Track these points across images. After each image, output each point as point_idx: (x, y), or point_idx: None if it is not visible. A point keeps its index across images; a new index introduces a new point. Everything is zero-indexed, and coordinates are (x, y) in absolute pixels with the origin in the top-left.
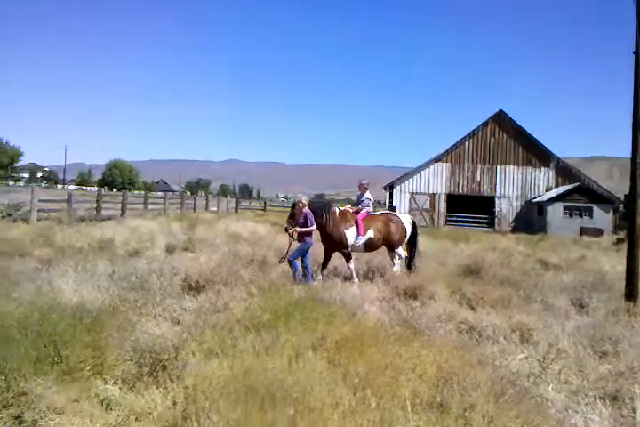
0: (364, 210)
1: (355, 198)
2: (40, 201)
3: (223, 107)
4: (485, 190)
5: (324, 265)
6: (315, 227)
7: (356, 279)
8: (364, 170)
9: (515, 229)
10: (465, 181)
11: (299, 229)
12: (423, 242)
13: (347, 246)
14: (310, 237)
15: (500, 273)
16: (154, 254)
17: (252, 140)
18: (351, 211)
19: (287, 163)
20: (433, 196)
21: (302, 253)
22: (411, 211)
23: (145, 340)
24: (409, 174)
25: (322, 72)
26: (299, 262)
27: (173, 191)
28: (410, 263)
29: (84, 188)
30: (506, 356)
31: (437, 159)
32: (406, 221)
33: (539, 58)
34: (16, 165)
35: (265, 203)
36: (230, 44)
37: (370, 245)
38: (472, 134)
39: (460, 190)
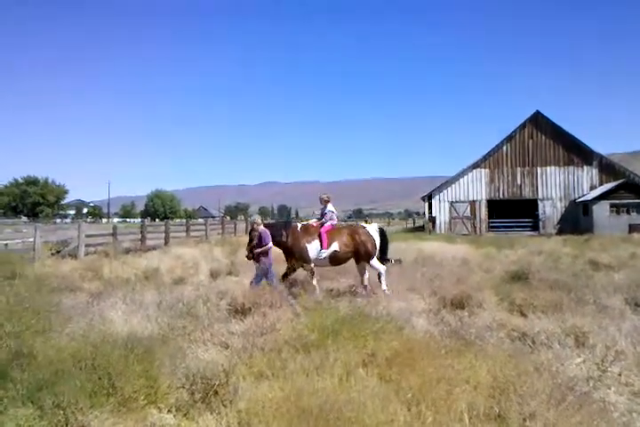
0: (328, 223)
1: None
2: (87, 236)
3: (253, 131)
4: (527, 194)
5: (286, 276)
6: (270, 245)
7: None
8: (401, 182)
9: (560, 231)
10: (505, 186)
11: (255, 250)
12: (466, 251)
13: (308, 261)
14: (267, 256)
15: (549, 277)
16: (199, 280)
17: (285, 162)
18: (315, 225)
19: (322, 181)
20: (473, 203)
21: (262, 275)
22: (452, 219)
23: (196, 366)
24: (447, 183)
25: (346, 87)
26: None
27: (213, 217)
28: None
29: (128, 220)
30: (562, 361)
31: (475, 166)
32: (373, 230)
33: (568, 54)
34: (62, 202)
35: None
36: (257, 69)
37: (336, 259)
38: (509, 138)
39: (501, 195)
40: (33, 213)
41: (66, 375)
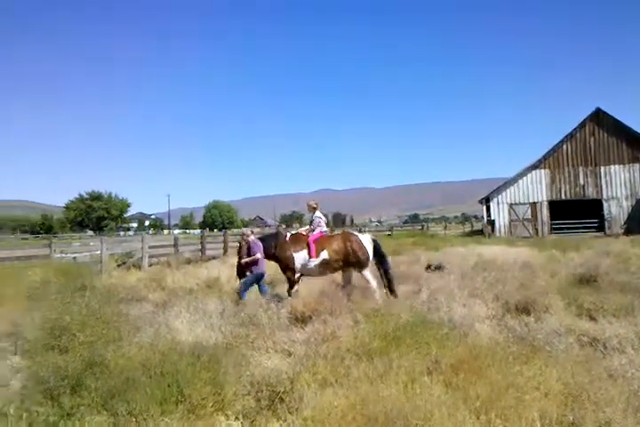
0: (317, 230)
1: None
2: (150, 248)
3: (307, 141)
4: (590, 193)
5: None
6: (258, 256)
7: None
8: (457, 186)
9: (628, 232)
10: (567, 186)
11: (243, 260)
12: (529, 254)
13: (293, 271)
14: (256, 266)
15: (619, 279)
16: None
17: (339, 169)
18: (304, 233)
19: (377, 187)
20: (534, 205)
21: (249, 284)
22: (511, 222)
23: (260, 373)
24: (505, 185)
25: (397, 91)
26: (247, 295)
27: (269, 226)
28: (391, 287)
29: (188, 231)
30: (637, 367)
31: (535, 166)
32: (366, 240)
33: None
34: (125, 215)
35: (359, 229)
36: (306, 80)
37: (325, 267)
38: (569, 137)
39: (563, 196)
40: (98, 227)
41: (136, 383)
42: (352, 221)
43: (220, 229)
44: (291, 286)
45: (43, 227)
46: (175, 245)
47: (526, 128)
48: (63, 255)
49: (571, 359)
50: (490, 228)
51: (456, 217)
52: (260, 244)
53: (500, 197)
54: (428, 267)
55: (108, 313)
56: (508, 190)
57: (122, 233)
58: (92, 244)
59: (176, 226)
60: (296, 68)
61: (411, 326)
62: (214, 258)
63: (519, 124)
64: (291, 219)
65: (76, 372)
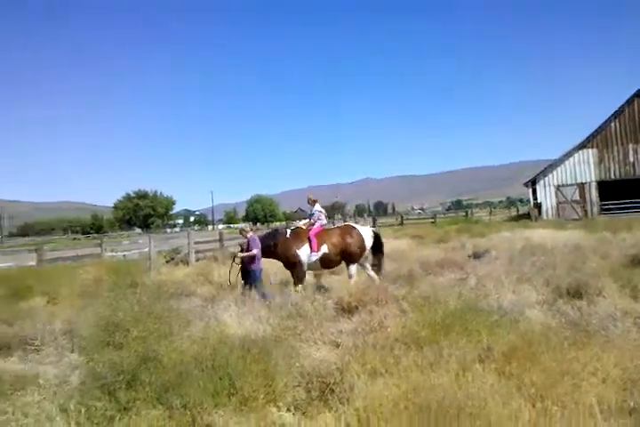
0: (317, 224)
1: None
2: (196, 243)
3: (345, 130)
4: None
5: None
6: (254, 251)
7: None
8: (500, 169)
9: None
10: (616, 166)
11: (240, 254)
12: (578, 236)
13: (302, 267)
14: (254, 262)
15: None
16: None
17: (378, 158)
18: (304, 227)
19: (418, 174)
20: (582, 185)
21: (259, 283)
22: (559, 204)
23: (309, 365)
24: (551, 166)
25: (435, 75)
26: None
27: None
28: (378, 270)
29: (231, 225)
30: None
31: (581, 146)
32: (366, 233)
33: None
34: (171, 213)
35: (402, 217)
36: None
37: (327, 261)
38: (617, 114)
39: (612, 176)
40: (145, 225)
41: (189, 377)
42: (394, 209)
43: (262, 223)
44: (297, 283)
45: (93, 227)
46: (220, 240)
47: (570, 107)
48: (114, 254)
49: (629, 343)
50: (537, 211)
51: (501, 202)
52: (258, 240)
53: (546, 179)
54: (474, 253)
55: (159, 308)
56: (554, 172)
57: (168, 230)
58: (140, 241)
59: (220, 221)
60: (326, 57)
61: (460, 314)
62: None
63: (563, 104)
64: (332, 209)
65: (130, 367)
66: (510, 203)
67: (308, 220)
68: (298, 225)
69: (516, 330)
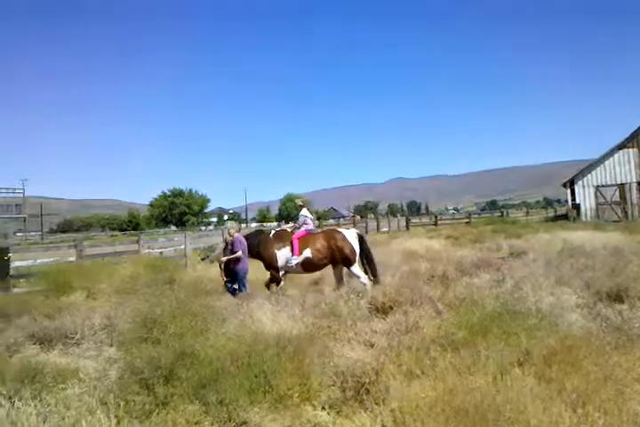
0: (303, 228)
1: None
2: None
3: (376, 129)
4: None
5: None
6: (239, 253)
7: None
8: (537, 169)
9: None
10: None
11: (223, 258)
12: (619, 238)
13: (276, 268)
14: (239, 262)
15: None
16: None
17: (411, 157)
18: (289, 230)
19: (451, 173)
20: (622, 186)
21: (239, 280)
22: (598, 205)
23: (344, 364)
24: (590, 167)
25: (462, 75)
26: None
27: (344, 217)
28: (375, 279)
29: (265, 224)
30: None
31: (621, 146)
32: (351, 235)
33: None
34: (205, 211)
35: (435, 217)
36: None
37: (308, 265)
38: None
39: None
40: (181, 222)
41: (225, 374)
42: (427, 209)
43: (295, 222)
44: (272, 282)
45: (130, 224)
46: None
47: (609, 106)
48: (150, 251)
49: None
50: (575, 212)
51: (538, 202)
52: (244, 241)
53: (585, 179)
54: (511, 254)
55: (195, 305)
56: (593, 172)
57: (203, 228)
58: (175, 239)
59: (253, 219)
60: (361, 55)
61: (497, 316)
62: None
63: (601, 103)
64: (365, 209)
65: (168, 362)
66: (547, 203)
67: (294, 223)
68: (283, 227)
69: (555, 333)
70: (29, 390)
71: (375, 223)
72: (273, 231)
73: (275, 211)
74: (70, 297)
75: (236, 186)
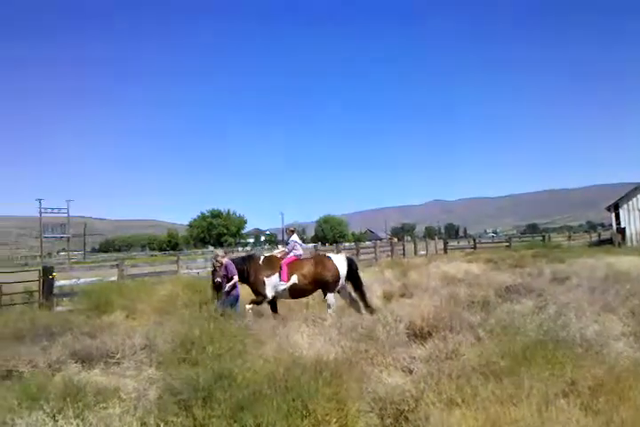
0: (292, 254)
1: None
2: None
3: (414, 151)
4: None
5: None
6: (236, 277)
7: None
8: (579, 192)
9: None
10: None
11: (227, 284)
12: None
13: (264, 295)
14: (235, 288)
15: None
16: (373, 303)
17: (449, 179)
18: (279, 256)
19: (491, 196)
20: None
21: (227, 305)
22: None
23: (382, 391)
24: (636, 190)
25: (512, 91)
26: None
27: (381, 239)
28: (366, 304)
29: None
30: None
31: None
32: (339, 261)
33: None
34: (242, 231)
35: (474, 240)
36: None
37: (296, 291)
38: None
39: None
40: (218, 243)
41: (263, 397)
42: (465, 232)
43: (331, 243)
44: (254, 302)
45: (169, 244)
46: None
47: None
48: (189, 271)
49: None
50: (620, 236)
51: (580, 226)
52: (233, 265)
53: (630, 202)
54: (553, 280)
55: (233, 327)
56: (639, 195)
57: (240, 248)
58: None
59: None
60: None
61: (541, 345)
62: None
63: None
64: (402, 231)
65: (206, 384)
66: (590, 227)
67: (284, 249)
68: (273, 253)
69: (602, 363)
70: (72, 408)
71: (412, 246)
72: (262, 257)
73: (311, 232)
74: (111, 316)
75: (272, 207)
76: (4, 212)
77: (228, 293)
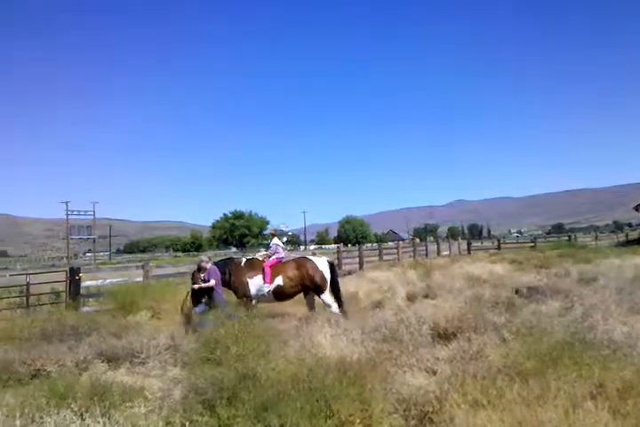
0: (274, 256)
1: None
2: None
3: (438, 151)
4: None
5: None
6: (212, 282)
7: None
8: (606, 192)
9: None
10: None
11: (195, 286)
12: None
13: (249, 296)
14: (217, 294)
15: None
16: (396, 304)
17: (473, 179)
18: (261, 259)
19: (515, 196)
20: None
21: (208, 310)
22: None
23: (406, 391)
24: None
25: (530, 89)
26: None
27: (403, 240)
28: (341, 309)
29: (323, 246)
30: None
31: None
32: (321, 263)
33: None
34: (265, 232)
35: (498, 240)
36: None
37: (280, 294)
38: None
39: None
40: (241, 244)
41: (287, 397)
42: (489, 232)
43: (353, 244)
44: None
45: (193, 245)
46: None
47: None
48: None
49: None
50: None
51: (607, 226)
52: (218, 271)
53: None
54: (580, 280)
55: (257, 327)
56: None
57: (262, 249)
58: None
59: (312, 242)
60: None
61: (568, 346)
62: (350, 273)
63: None
64: (425, 232)
65: (231, 384)
66: (618, 227)
67: (265, 252)
68: (255, 256)
69: (630, 365)
70: (99, 407)
71: (435, 246)
72: (244, 260)
73: (333, 233)
74: (136, 316)
75: (295, 208)
76: (32, 214)
77: (206, 298)
